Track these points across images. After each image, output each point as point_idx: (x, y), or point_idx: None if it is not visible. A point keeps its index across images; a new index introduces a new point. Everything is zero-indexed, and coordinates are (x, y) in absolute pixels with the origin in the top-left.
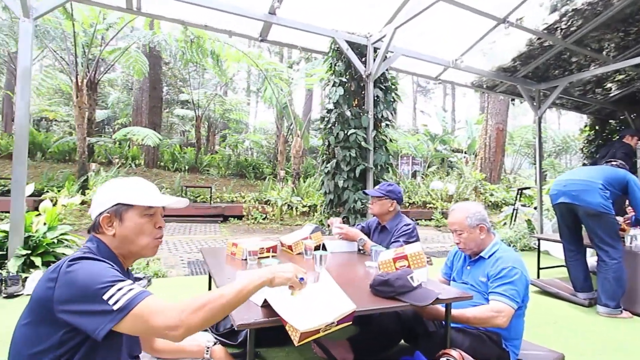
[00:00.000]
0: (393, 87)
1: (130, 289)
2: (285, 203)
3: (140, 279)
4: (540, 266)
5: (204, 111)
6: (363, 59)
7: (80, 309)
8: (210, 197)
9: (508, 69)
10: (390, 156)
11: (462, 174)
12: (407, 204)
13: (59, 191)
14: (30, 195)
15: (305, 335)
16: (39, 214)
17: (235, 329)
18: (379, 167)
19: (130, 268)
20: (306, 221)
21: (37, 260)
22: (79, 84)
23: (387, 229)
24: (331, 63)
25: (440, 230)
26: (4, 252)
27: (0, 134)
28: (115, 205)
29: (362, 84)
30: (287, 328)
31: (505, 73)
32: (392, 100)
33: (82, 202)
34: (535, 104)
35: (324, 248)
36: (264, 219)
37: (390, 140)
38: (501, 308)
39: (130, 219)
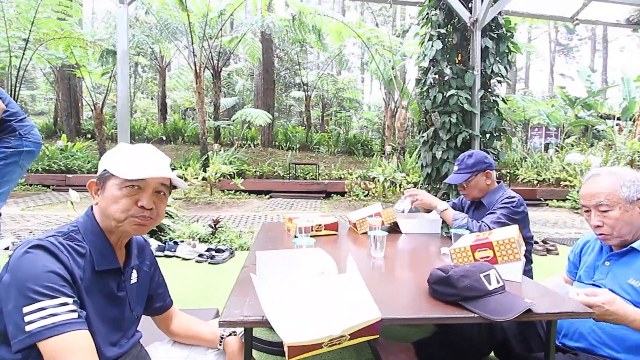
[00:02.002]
0: (508, 34)
1: (53, 314)
2: (387, 179)
3: (222, 250)
4: None
5: (318, 92)
6: (469, 5)
7: (7, 305)
8: (318, 174)
9: None
10: (504, 121)
11: (613, 144)
12: (536, 182)
13: (185, 169)
14: None
15: (298, 349)
16: None
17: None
18: (488, 135)
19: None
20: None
21: None
22: (197, 71)
23: (483, 205)
24: (427, 13)
25: (577, 213)
26: None
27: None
28: (103, 171)
29: (467, 35)
30: None
31: None
32: (507, 51)
33: (203, 178)
34: None
35: (396, 228)
36: (365, 195)
37: (504, 100)
38: None
39: (109, 188)
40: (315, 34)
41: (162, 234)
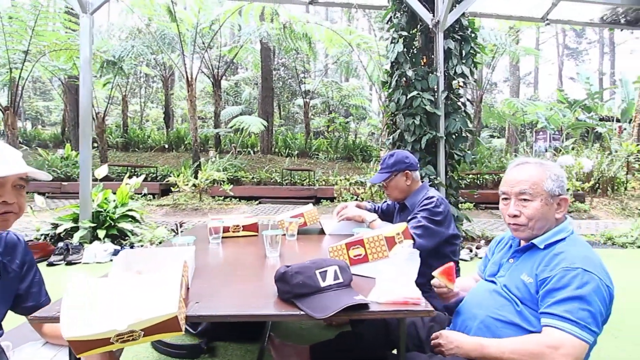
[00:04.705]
0: (472, 35)
1: None
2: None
3: None
4: None
5: (324, 99)
6: (433, 7)
7: None
8: (315, 180)
9: None
10: (469, 122)
11: (609, 145)
12: None
13: (178, 175)
14: (160, 180)
15: (82, 345)
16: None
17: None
18: (454, 136)
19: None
20: None
21: (101, 233)
22: (189, 80)
23: (407, 207)
24: (390, 16)
25: (571, 216)
26: (77, 225)
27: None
28: None
29: (432, 38)
30: None
31: None
32: (473, 52)
33: (193, 185)
34: None
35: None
36: (354, 200)
37: (470, 101)
38: (560, 341)
39: None
40: (306, 41)
41: (124, 239)
